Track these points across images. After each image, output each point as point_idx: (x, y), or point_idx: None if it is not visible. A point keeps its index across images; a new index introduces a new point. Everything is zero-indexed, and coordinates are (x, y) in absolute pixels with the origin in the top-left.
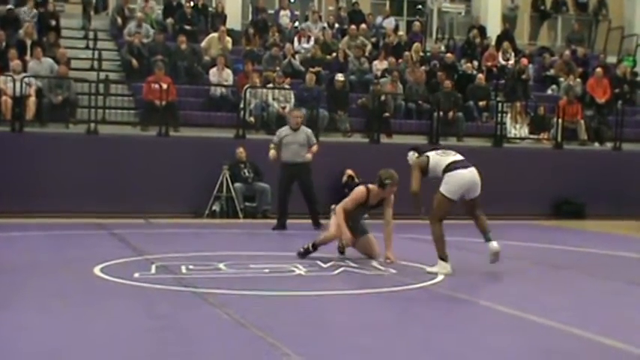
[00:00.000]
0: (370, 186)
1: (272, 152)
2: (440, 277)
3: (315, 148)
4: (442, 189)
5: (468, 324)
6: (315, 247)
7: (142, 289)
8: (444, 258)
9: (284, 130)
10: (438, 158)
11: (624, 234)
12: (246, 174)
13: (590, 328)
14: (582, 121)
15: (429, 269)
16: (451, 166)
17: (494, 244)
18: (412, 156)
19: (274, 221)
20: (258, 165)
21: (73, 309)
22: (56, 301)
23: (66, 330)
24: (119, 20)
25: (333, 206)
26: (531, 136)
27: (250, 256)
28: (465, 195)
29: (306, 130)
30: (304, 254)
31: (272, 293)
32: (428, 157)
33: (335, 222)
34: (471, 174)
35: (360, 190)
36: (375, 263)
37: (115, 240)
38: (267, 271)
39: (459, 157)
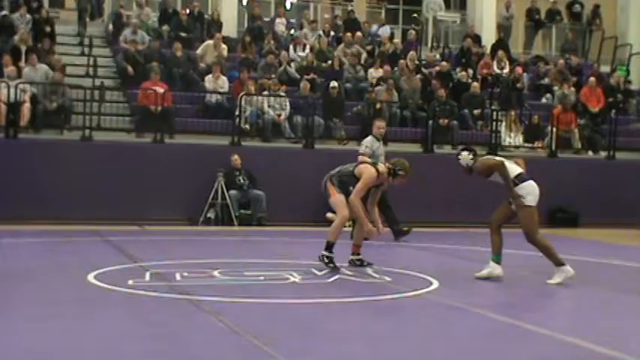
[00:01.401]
0: (379, 166)
1: (380, 166)
2: (435, 285)
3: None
4: (528, 202)
5: (461, 332)
6: (332, 247)
7: (136, 297)
8: (562, 263)
9: (371, 141)
10: (509, 165)
11: (618, 242)
12: (241, 181)
13: (583, 336)
14: (576, 130)
15: (551, 281)
16: (522, 177)
17: (499, 269)
18: (467, 156)
19: (269, 229)
20: (253, 172)
21: (66, 316)
22: (49, 308)
23: (58, 337)
24: (115, 27)
25: (329, 215)
26: (526, 145)
27: (245, 263)
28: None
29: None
30: (332, 262)
31: (267, 301)
32: (502, 160)
33: (354, 214)
34: (537, 186)
35: (371, 172)
36: (370, 271)
37: (109, 247)
38: (261, 278)
39: (519, 167)
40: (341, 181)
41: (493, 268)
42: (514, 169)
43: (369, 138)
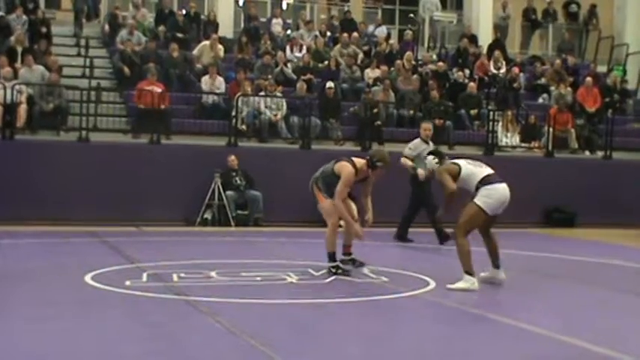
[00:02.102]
0: (356, 162)
1: (420, 171)
2: (432, 285)
3: None
4: (480, 202)
5: (458, 332)
6: (334, 257)
7: (134, 298)
8: (471, 272)
9: (417, 143)
10: (472, 168)
11: (615, 242)
12: (238, 182)
13: (579, 335)
14: (573, 130)
15: (451, 286)
16: (488, 179)
17: (502, 274)
18: (432, 161)
19: (266, 229)
20: (249, 173)
21: (63, 317)
22: (47, 309)
23: (56, 338)
24: (111, 28)
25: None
26: (522, 145)
27: (242, 264)
28: (497, 212)
29: (431, 143)
30: (340, 269)
31: (264, 301)
32: (459, 165)
33: (339, 215)
34: (506, 190)
35: (349, 172)
36: (366, 271)
37: (106, 248)
38: (258, 279)
39: (490, 169)
40: (326, 184)
41: (494, 274)
42: (479, 172)
43: (416, 140)
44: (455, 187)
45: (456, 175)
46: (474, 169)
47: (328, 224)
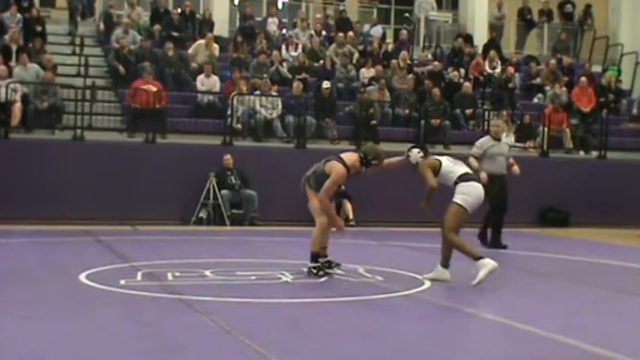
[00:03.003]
0: (347, 160)
1: (483, 174)
2: (427, 284)
3: (512, 160)
4: (460, 200)
5: (454, 332)
6: (317, 257)
7: (128, 297)
8: (480, 256)
9: (484, 141)
10: (452, 166)
11: (609, 242)
12: (233, 181)
13: (576, 335)
14: (568, 130)
15: (477, 280)
16: (466, 177)
17: (447, 274)
18: (417, 154)
19: (261, 228)
20: (245, 172)
21: (57, 316)
22: (41, 308)
23: (50, 337)
24: (106, 26)
25: None
26: (517, 145)
27: (237, 263)
28: (473, 209)
29: (505, 141)
30: (322, 270)
31: (258, 300)
32: (440, 161)
33: (323, 211)
34: (482, 190)
35: (340, 170)
36: (361, 270)
37: (100, 247)
38: (253, 278)
39: (468, 168)
40: (318, 183)
41: (440, 274)
42: (457, 169)
43: (485, 137)
44: (435, 183)
45: (436, 170)
46: (454, 167)
47: (317, 223)
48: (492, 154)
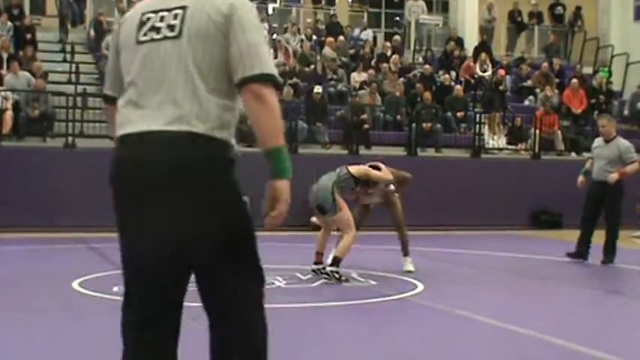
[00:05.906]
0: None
1: (580, 177)
2: (420, 288)
3: (631, 167)
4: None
5: (447, 334)
6: (339, 262)
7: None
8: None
9: (597, 141)
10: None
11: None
12: None
13: (568, 337)
14: (559, 132)
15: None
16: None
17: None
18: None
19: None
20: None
21: (50, 323)
22: (34, 315)
23: (43, 344)
24: (96, 33)
25: (313, 219)
26: (509, 147)
27: None
28: None
29: (620, 143)
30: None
31: None
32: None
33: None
34: None
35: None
36: (354, 275)
37: (93, 254)
38: None
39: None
40: (343, 188)
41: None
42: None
43: (598, 138)
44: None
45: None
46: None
47: (349, 235)
48: (596, 156)
